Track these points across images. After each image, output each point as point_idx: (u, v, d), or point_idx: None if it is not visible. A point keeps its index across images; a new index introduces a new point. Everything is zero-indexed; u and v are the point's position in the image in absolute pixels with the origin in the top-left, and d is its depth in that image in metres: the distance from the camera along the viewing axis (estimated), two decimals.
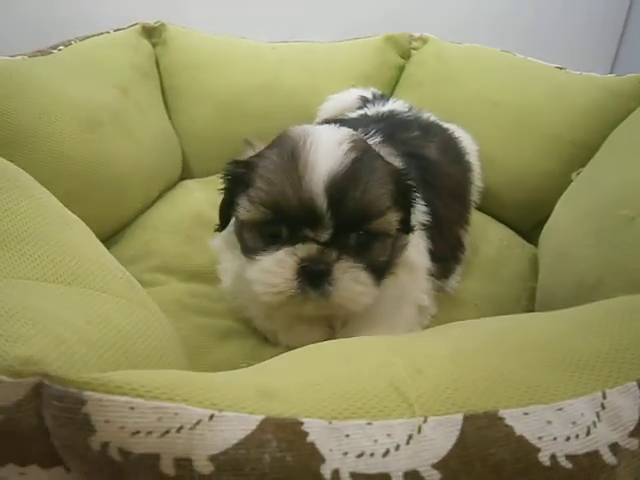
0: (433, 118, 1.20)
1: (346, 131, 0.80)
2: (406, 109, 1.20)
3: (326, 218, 0.69)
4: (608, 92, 1.18)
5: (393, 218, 0.75)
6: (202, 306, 0.95)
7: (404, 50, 1.55)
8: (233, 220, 0.84)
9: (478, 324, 0.67)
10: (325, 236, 0.70)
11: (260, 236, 0.75)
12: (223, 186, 0.81)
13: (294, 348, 0.84)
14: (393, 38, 1.53)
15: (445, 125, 1.19)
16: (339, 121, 1.07)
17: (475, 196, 1.20)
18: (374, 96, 1.34)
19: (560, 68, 1.32)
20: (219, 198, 0.84)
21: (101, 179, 1.04)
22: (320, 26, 1.83)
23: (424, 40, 1.54)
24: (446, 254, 0.96)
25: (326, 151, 0.71)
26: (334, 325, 0.86)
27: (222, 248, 0.92)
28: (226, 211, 0.82)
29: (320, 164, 0.69)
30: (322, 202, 0.69)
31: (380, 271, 0.77)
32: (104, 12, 1.69)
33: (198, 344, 0.88)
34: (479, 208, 1.30)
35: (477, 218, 1.24)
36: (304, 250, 0.71)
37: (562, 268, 0.88)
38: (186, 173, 1.41)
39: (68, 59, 1.12)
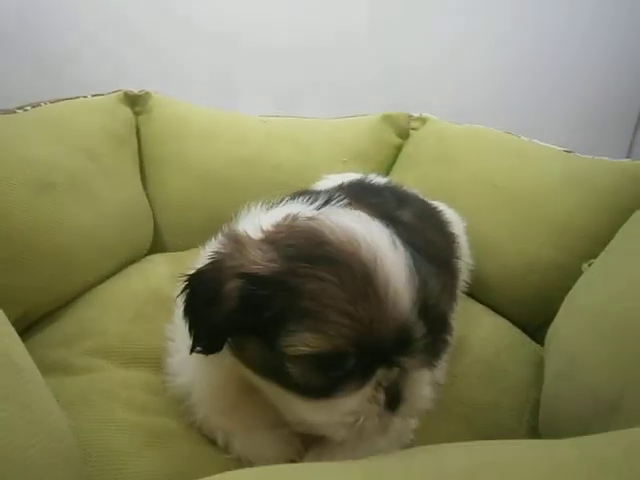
0: (414, 192, 1.11)
1: (377, 222, 0.66)
2: (382, 180, 1.11)
3: (421, 340, 0.60)
4: (622, 178, 1.08)
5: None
6: (135, 400, 0.81)
7: (402, 129, 1.49)
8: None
9: (462, 453, 0.50)
10: (415, 361, 0.61)
11: (321, 370, 0.60)
12: (222, 303, 0.62)
13: (247, 460, 0.72)
14: (391, 117, 1.48)
15: (426, 199, 1.09)
16: (306, 193, 0.96)
17: (464, 274, 1.08)
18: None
19: (568, 152, 1.22)
20: (182, 282, 0.67)
21: (46, 247, 0.93)
22: (315, 103, 1.78)
23: (423, 120, 1.47)
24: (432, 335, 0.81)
25: (395, 261, 0.59)
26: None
27: (181, 337, 0.77)
28: (224, 331, 0.64)
29: (401, 282, 0.58)
30: (417, 324, 0.59)
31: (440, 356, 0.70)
32: (86, 79, 1.67)
33: (119, 448, 0.72)
34: (477, 299, 1.17)
35: (473, 309, 1.11)
36: (387, 377, 0.61)
37: (570, 380, 0.72)
38: (158, 247, 1.30)
39: (32, 120, 1.05)
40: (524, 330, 1.12)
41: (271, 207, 0.86)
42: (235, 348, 0.65)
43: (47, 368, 0.83)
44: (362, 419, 0.60)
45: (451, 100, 1.80)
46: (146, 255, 1.25)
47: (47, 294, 0.94)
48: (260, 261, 0.61)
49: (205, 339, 0.65)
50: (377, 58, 1.90)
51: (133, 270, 1.12)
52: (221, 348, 0.64)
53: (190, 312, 0.65)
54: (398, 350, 0.59)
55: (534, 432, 0.84)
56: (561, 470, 0.37)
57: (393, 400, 0.61)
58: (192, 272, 0.66)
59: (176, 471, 0.72)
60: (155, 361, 0.87)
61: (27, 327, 0.92)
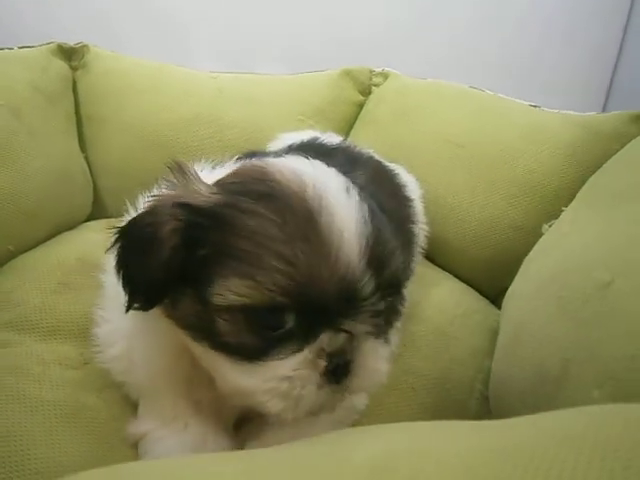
0: (367, 151, 1.03)
1: (333, 169, 0.60)
2: (335, 140, 1.03)
3: (369, 300, 0.53)
4: (588, 132, 1.00)
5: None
6: (51, 375, 0.74)
7: (363, 86, 1.39)
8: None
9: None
10: (365, 326, 0.54)
11: (254, 326, 0.53)
12: (161, 244, 0.54)
13: None
14: (351, 73, 1.38)
15: (382, 161, 1.01)
16: (254, 154, 0.88)
17: (420, 239, 1.02)
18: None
19: (535, 106, 1.14)
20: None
21: None
22: (272, 59, 1.67)
23: (385, 75, 1.38)
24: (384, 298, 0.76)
25: (346, 205, 0.53)
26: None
27: (111, 305, 0.71)
28: (163, 279, 0.55)
29: (349, 229, 0.52)
30: (366, 279, 0.52)
31: (394, 320, 0.65)
32: (24, 29, 1.54)
33: (28, 430, 0.66)
34: (437, 263, 1.12)
35: (430, 274, 1.05)
36: (332, 343, 0.53)
37: (519, 346, 0.66)
38: (100, 212, 1.21)
39: None
40: (485, 296, 1.07)
41: (215, 166, 0.78)
42: (169, 306, 0.58)
43: None
44: (299, 388, 0.52)
45: (416, 59, 1.69)
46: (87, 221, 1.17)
47: None
48: (203, 193, 0.56)
49: (142, 292, 0.57)
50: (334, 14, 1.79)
51: (63, 237, 1.04)
52: (161, 300, 0.57)
53: (124, 265, 0.58)
54: (343, 310, 0.52)
55: (486, 404, 0.79)
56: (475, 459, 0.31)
57: (339, 371, 0.53)
58: (124, 223, 0.59)
59: (92, 453, 0.67)
60: (76, 333, 0.81)
61: None
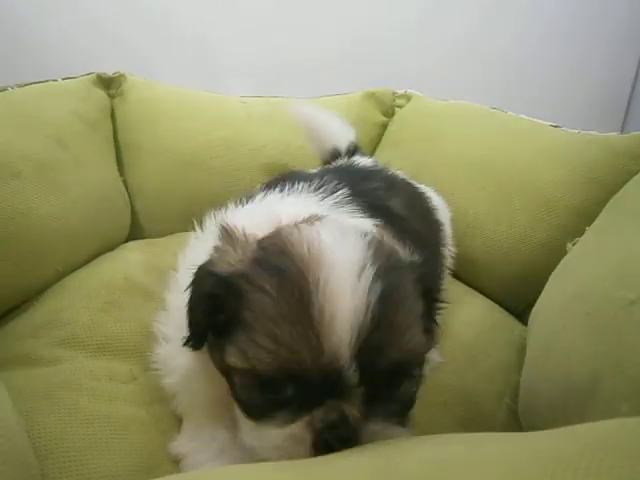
0: (400, 173, 1.08)
1: (364, 240, 0.58)
2: (370, 162, 1.09)
3: (356, 387, 0.53)
4: (610, 152, 1.04)
5: (426, 346, 0.60)
6: (103, 390, 0.78)
7: (387, 107, 1.44)
8: None
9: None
10: (352, 408, 0.53)
11: (258, 389, 0.57)
12: (193, 298, 0.64)
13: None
14: (375, 95, 1.44)
15: (414, 184, 1.06)
16: (295, 176, 0.92)
17: (448, 261, 1.06)
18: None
19: (555, 126, 1.18)
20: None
21: (11, 237, 0.90)
22: (298, 82, 1.73)
23: (408, 97, 1.43)
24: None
25: (348, 290, 0.52)
26: None
27: (173, 324, 0.74)
28: (200, 327, 0.62)
29: (344, 315, 0.51)
30: (351, 371, 0.52)
31: (411, 403, 0.61)
32: (62, 62, 1.62)
33: (84, 443, 0.70)
34: (462, 280, 1.15)
35: (456, 291, 1.08)
36: (324, 418, 0.53)
37: (548, 361, 0.69)
38: (136, 233, 1.27)
39: None
40: (511, 312, 1.10)
41: (275, 196, 0.82)
42: (209, 348, 0.64)
43: (15, 360, 0.82)
44: (288, 456, 0.54)
45: (437, 77, 1.74)
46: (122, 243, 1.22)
47: (14, 287, 0.91)
48: (231, 261, 0.60)
49: (194, 333, 0.63)
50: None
51: (106, 258, 1.09)
52: (202, 345, 0.63)
53: (189, 306, 0.64)
54: (329, 392, 0.53)
55: (514, 417, 0.82)
56: (510, 469, 0.35)
57: (335, 446, 0.52)
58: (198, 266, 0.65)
59: (143, 464, 0.71)
60: (124, 349, 0.86)
61: None
